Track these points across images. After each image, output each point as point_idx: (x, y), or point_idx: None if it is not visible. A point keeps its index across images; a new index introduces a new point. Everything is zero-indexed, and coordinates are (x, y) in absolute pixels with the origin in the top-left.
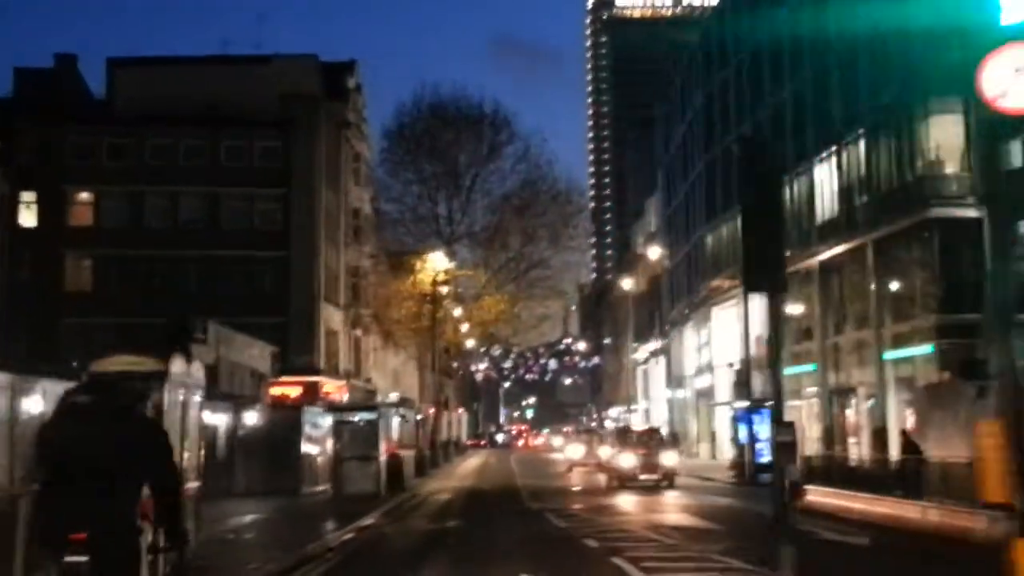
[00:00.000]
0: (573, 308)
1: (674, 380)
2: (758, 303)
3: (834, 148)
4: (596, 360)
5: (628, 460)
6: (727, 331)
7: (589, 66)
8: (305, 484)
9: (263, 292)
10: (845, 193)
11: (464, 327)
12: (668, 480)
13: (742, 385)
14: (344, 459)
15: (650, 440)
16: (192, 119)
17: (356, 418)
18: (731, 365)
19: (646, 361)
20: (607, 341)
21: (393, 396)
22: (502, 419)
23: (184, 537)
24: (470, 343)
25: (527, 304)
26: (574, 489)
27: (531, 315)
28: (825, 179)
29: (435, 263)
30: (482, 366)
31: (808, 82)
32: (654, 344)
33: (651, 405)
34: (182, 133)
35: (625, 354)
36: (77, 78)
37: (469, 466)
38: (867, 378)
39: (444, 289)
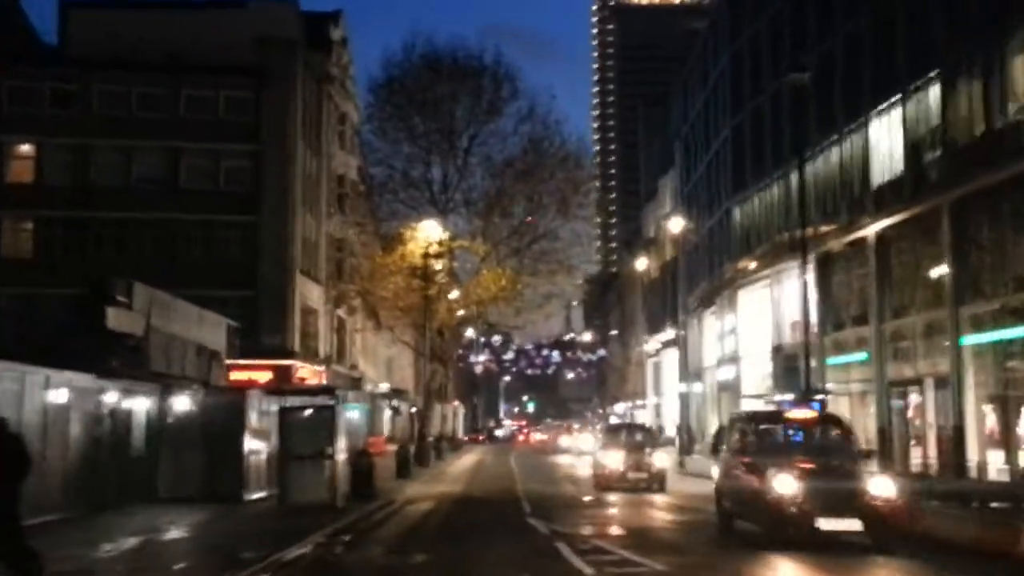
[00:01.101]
0: (575, 304)
1: (690, 372)
2: (794, 283)
3: (897, 97)
4: (602, 352)
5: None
6: (757, 316)
7: (596, 54)
8: (250, 488)
9: (229, 262)
10: (911, 150)
11: (460, 310)
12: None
13: (791, 372)
14: (290, 458)
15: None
16: (150, 64)
17: (304, 406)
18: (779, 349)
19: (657, 353)
20: (613, 333)
21: (383, 387)
22: (502, 414)
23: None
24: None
25: (531, 281)
26: (586, 499)
27: (535, 293)
28: (884, 135)
29: (427, 233)
30: (482, 358)
31: (866, 23)
32: (667, 334)
33: (662, 400)
34: (138, 79)
35: (633, 346)
36: (20, 16)
37: (463, 465)
38: (938, 368)
39: (438, 264)
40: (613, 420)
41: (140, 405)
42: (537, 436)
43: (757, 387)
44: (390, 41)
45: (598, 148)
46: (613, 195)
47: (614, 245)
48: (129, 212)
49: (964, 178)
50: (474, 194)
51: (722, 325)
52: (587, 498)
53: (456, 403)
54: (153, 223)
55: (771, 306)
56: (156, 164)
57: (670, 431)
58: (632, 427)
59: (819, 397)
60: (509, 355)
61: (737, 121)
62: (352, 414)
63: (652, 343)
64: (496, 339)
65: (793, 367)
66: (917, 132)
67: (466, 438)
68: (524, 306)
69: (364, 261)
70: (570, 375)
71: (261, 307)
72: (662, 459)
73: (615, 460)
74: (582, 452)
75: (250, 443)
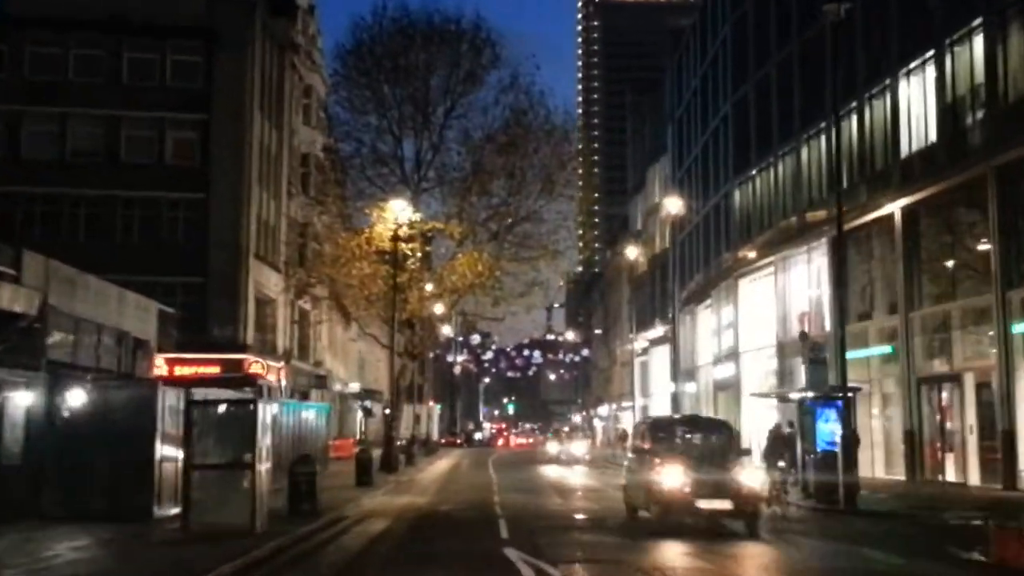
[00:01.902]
0: (557, 305)
1: (682, 371)
2: (802, 270)
3: (931, 53)
4: (586, 352)
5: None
6: (760, 308)
7: (580, 52)
8: (164, 503)
9: (174, 244)
10: (948, 111)
11: (433, 299)
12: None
13: (818, 367)
14: (195, 468)
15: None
16: (89, 23)
17: (217, 401)
18: (804, 336)
19: (645, 352)
20: (598, 332)
21: (354, 386)
22: (481, 416)
23: None
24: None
25: (512, 268)
26: (579, 517)
27: (517, 281)
28: (916, 96)
29: (395, 212)
30: (460, 358)
31: None
32: (656, 331)
33: (650, 401)
34: (75, 40)
35: (618, 345)
36: None
37: (436, 471)
38: (980, 361)
39: (407, 248)
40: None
41: (20, 400)
42: (517, 440)
43: (760, 385)
44: (363, 14)
45: (581, 147)
46: (596, 195)
47: (597, 245)
48: (62, 187)
49: (1012, 142)
50: (450, 173)
51: (718, 320)
52: (580, 517)
53: (431, 403)
54: (89, 200)
55: (775, 297)
56: (94, 134)
57: None
58: (699, 423)
59: (844, 394)
60: (490, 355)
61: (739, 96)
62: (307, 414)
63: (639, 341)
64: (475, 338)
65: (819, 360)
66: (954, 92)
67: (443, 441)
68: (504, 295)
69: (329, 247)
70: (552, 376)
71: (210, 295)
72: (756, 477)
73: (674, 478)
74: (575, 461)
75: (163, 448)
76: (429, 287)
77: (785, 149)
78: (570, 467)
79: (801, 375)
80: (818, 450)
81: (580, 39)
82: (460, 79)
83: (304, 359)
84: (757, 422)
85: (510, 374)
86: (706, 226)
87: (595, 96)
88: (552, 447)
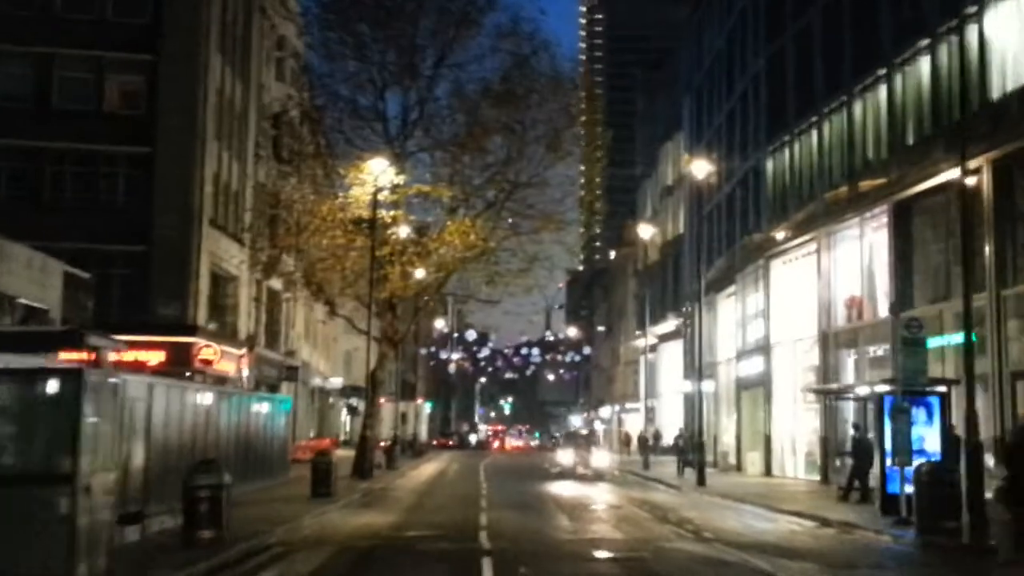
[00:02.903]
0: (558, 307)
1: (696, 368)
2: (853, 247)
3: None
4: (588, 351)
5: None
6: (797, 294)
7: (584, 45)
8: None
9: (112, 206)
10: None
11: (417, 273)
12: None
13: (915, 350)
14: None
15: None
16: None
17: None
18: (896, 310)
19: (652, 349)
20: (601, 329)
21: (336, 381)
22: (477, 417)
23: None
24: (440, 324)
25: (510, 242)
26: (602, 555)
27: (516, 257)
28: (1011, 25)
29: (375, 173)
30: (456, 356)
31: None
32: (666, 325)
33: (659, 402)
34: None
35: (623, 343)
36: None
37: (418, 477)
38: None
39: (390, 215)
40: (656, 414)
41: None
42: (513, 442)
43: (795, 381)
44: None
45: (583, 131)
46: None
47: (598, 244)
48: None
49: None
50: (441, 131)
51: (743, 309)
52: (604, 554)
53: (420, 401)
54: (13, 152)
55: (816, 281)
56: (20, 76)
57: (669, 439)
58: None
59: (939, 389)
60: (486, 352)
61: (775, 49)
62: (259, 408)
63: (648, 337)
64: (470, 334)
65: (916, 341)
66: None
67: (434, 442)
68: (499, 273)
69: (298, 214)
70: (551, 377)
71: (155, 267)
72: None
73: None
74: (598, 476)
75: None
76: (418, 273)
77: (832, 105)
78: (594, 486)
79: (847, 370)
80: (913, 460)
81: (583, 24)
82: (453, 22)
83: (273, 347)
84: (791, 425)
85: (508, 375)
86: (730, 204)
87: (599, 79)
88: (565, 456)
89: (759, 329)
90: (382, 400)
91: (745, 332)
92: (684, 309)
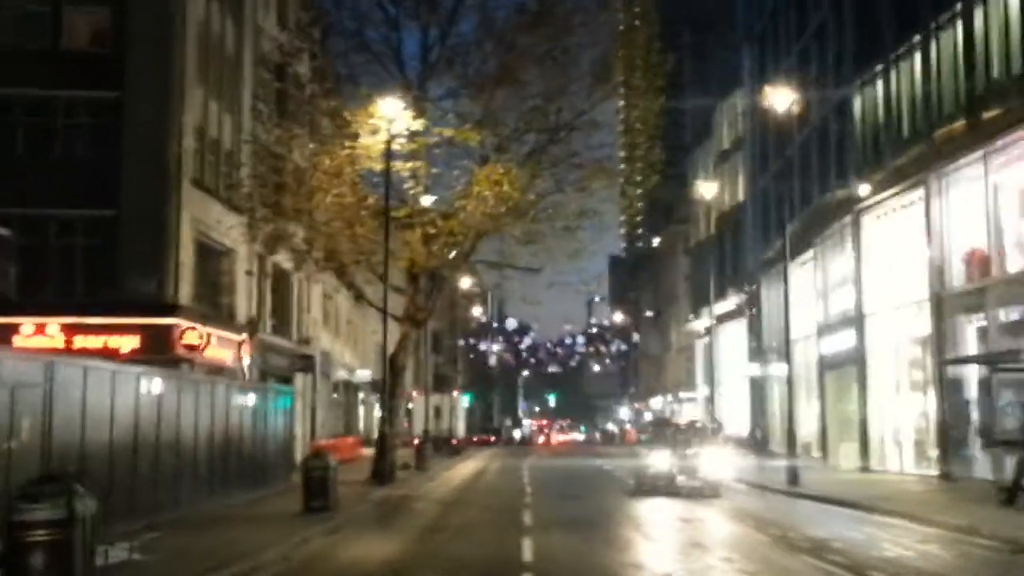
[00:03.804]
0: (599, 299)
1: (766, 350)
2: (972, 189)
3: None
4: (636, 338)
5: None
6: (898, 252)
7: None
8: None
9: (73, 162)
10: None
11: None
12: None
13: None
14: None
15: None
16: None
17: None
18: None
19: (709, 332)
20: (649, 314)
21: (363, 374)
22: (520, 412)
23: None
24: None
25: (557, 199)
26: None
27: (559, 215)
28: None
29: (388, 114)
30: (496, 347)
31: None
32: (725, 305)
33: (719, 390)
34: None
35: (674, 328)
36: None
37: (449, 481)
38: None
39: (408, 166)
40: (716, 402)
41: None
42: (560, 437)
43: (898, 356)
44: None
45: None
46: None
47: (641, 231)
48: None
49: None
50: (467, 67)
51: (824, 276)
52: None
53: (455, 393)
54: None
55: (925, 234)
56: None
57: (732, 428)
58: None
59: None
60: (528, 342)
61: None
62: (244, 401)
63: (703, 319)
64: (511, 322)
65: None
66: None
67: (474, 439)
68: (540, 231)
69: (310, 174)
70: (596, 368)
71: (125, 235)
72: None
73: None
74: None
75: None
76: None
77: (943, 18)
78: (708, 505)
79: (968, 339)
80: None
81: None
82: None
83: (284, 334)
84: (893, 410)
85: (551, 369)
86: (804, 157)
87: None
88: (660, 460)
89: (847, 298)
90: (414, 393)
91: (827, 303)
92: (745, 287)
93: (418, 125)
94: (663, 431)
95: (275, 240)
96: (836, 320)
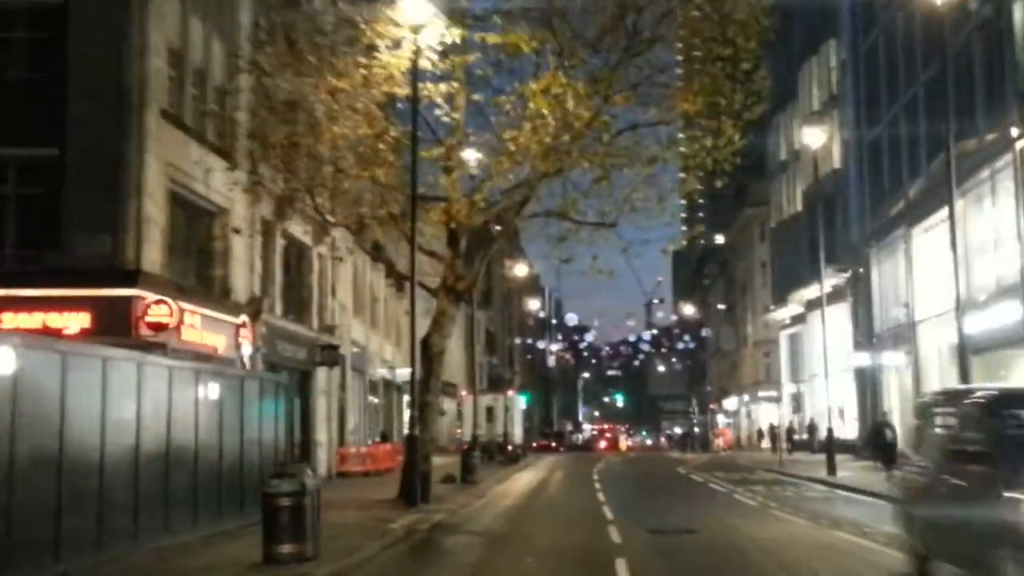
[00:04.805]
0: (657, 301)
1: (879, 335)
2: None
3: None
4: (706, 333)
5: None
6: None
7: None
8: None
9: (6, 87)
10: None
11: (488, 183)
12: None
13: None
14: None
15: None
16: None
17: None
18: None
19: (795, 322)
20: (721, 307)
21: (404, 373)
22: (580, 416)
23: None
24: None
25: (628, 138)
26: None
27: (636, 154)
28: None
29: (413, 19)
30: (554, 347)
31: None
32: (811, 291)
33: (807, 386)
34: None
35: (752, 320)
36: None
37: (500, 500)
38: None
39: (443, 88)
40: (803, 400)
41: None
42: (627, 442)
43: None
44: None
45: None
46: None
47: (703, 228)
48: None
49: None
50: None
51: (966, 240)
52: None
53: (510, 393)
54: None
55: None
56: None
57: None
58: None
59: None
60: (590, 338)
61: None
62: (200, 391)
63: (789, 306)
64: (570, 317)
65: None
66: None
67: (534, 444)
68: (615, 155)
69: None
70: (660, 368)
71: (71, 181)
72: None
73: None
74: None
75: None
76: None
77: None
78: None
79: None
80: None
81: None
82: None
83: (301, 321)
84: None
85: (610, 372)
86: (931, 96)
87: None
88: None
89: (1005, 262)
90: (463, 392)
91: (969, 273)
92: (847, 266)
93: (455, 35)
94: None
95: (285, 202)
96: (991, 291)
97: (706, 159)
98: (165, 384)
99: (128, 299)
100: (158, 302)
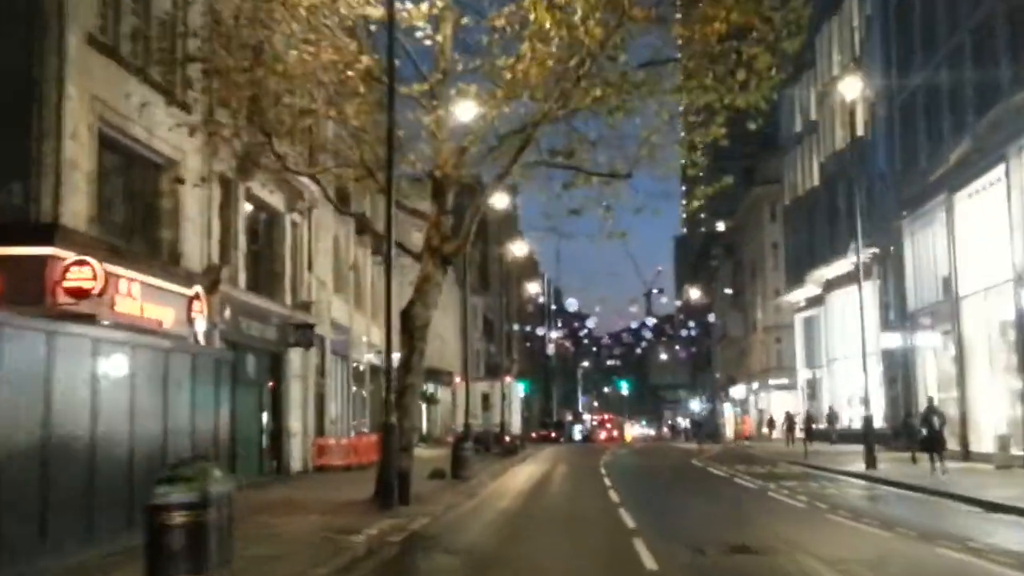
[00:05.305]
0: (657, 291)
1: (911, 315)
2: None
3: None
4: (711, 318)
5: None
6: None
7: None
8: None
9: None
10: None
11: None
12: None
13: None
14: None
15: None
16: None
17: None
18: None
19: (810, 305)
20: (728, 292)
21: (394, 358)
22: (580, 406)
23: None
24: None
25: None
26: None
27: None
28: None
29: None
30: (554, 335)
31: None
32: (835, 268)
33: (825, 372)
34: None
35: (761, 304)
36: None
37: (494, 502)
38: None
39: (422, 8)
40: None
41: None
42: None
43: None
44: None
45: None
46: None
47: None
48: None
49: None
50: None
51: (1021, 204)
52: None
53: (508, 379)
54: None
55: None
56: None
57: (847, 419)
58: None
59: None
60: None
61: None
62: (102, 370)
63: (806, 287)
64: (571, 302)
65: None
66: None
67: (533, 435)
68: (629, 87)
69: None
70: (663, 356)
71: None
72: None
73: None
74: None
75: None
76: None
77: None
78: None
79: None
80: None
81: None
82: None
83: (271, 295)
84: None
85: (610, 361)
86: (977, 49)
87: None
88: None
89: None
90: (457, 380)
91: (1013, 244)
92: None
93: None
94: None
95: (250, 160)
96: None
97: (736, 98)
98: (42, 357)
99: (42, 259)
100: (79, 263)
